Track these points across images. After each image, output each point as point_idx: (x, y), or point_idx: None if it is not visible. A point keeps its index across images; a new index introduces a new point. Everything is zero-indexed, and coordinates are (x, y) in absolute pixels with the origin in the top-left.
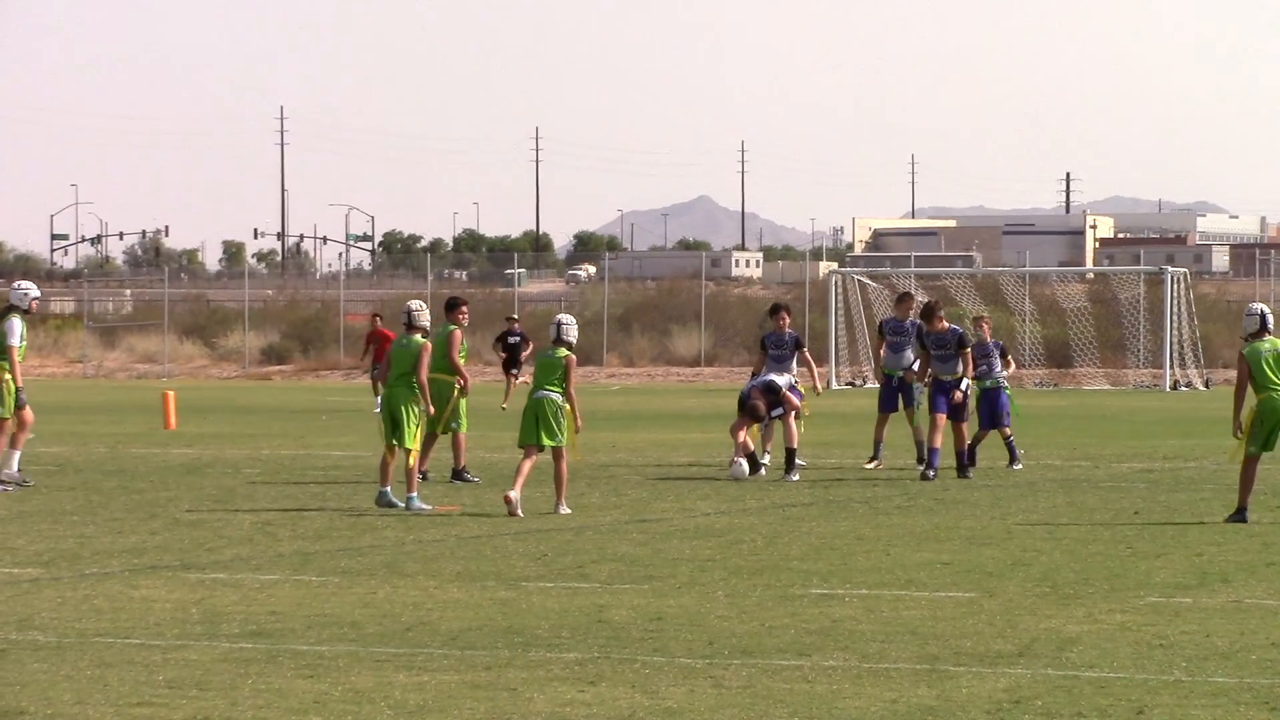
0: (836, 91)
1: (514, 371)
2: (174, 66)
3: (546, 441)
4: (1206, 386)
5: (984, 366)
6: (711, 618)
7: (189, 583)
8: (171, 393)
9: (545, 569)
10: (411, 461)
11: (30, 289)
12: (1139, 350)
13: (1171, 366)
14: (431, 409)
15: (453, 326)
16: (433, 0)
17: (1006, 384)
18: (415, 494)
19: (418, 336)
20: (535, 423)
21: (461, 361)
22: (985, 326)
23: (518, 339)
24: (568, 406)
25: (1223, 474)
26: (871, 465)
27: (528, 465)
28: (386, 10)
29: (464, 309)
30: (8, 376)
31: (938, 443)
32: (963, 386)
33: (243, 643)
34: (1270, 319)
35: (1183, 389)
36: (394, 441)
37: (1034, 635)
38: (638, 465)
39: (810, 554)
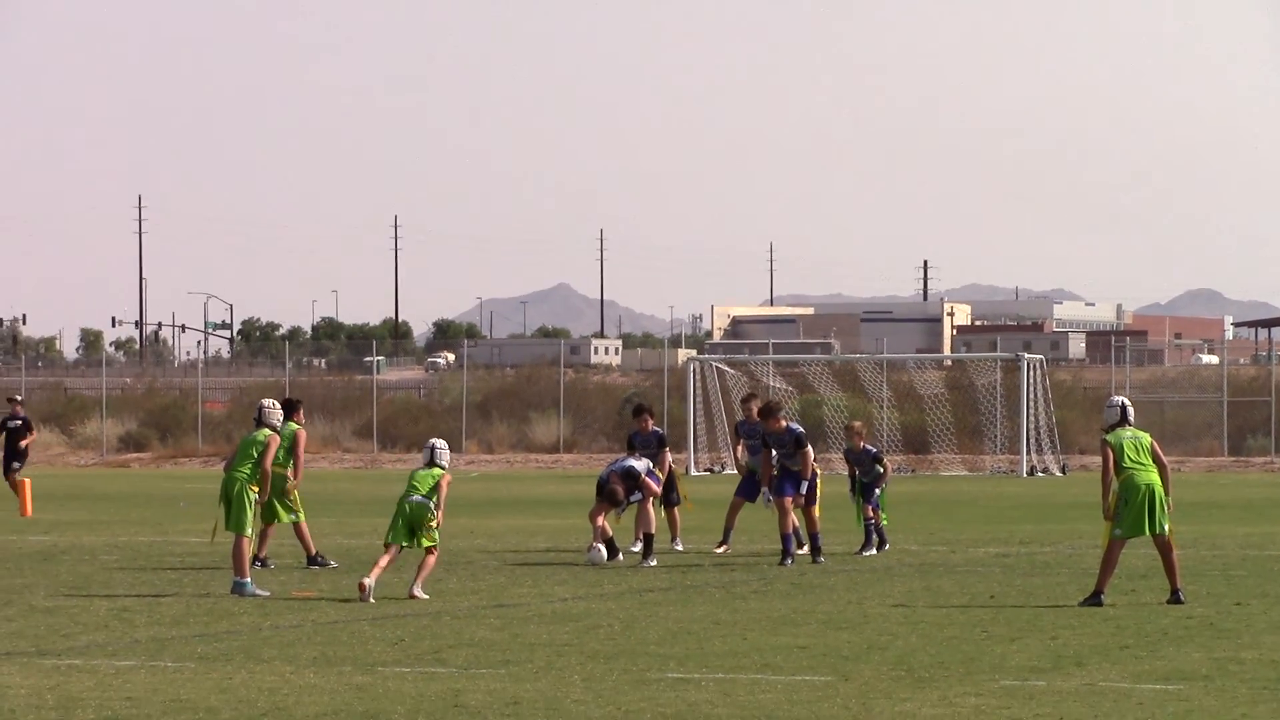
0: (695, 179)
1: (15, 466)
2: (30, 153)
3: (425, 543)
4: (1063, 472)
5: (862, 469)
6: (568, 702)
7: (44, 669)
8: (28, 480)
9: (402, 654)
10: (246, 548)
11: None
12: (996, 436)
13: (1028, 452)
14: (265, 498)
15: (297, 426)
16: (291, 86)
17: (882, 486)
18: (248, 579)
19: (266, 430)
20: (410, 529)
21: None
22: (857, 437)
23: (19, 424)
24: (439, 513)
25: (1078, 558)
26: (721, 549)
27: (387, 560)
28: (246, 96)
29: (301, 411)
30: None
31: (789, 528)
32: (802, 489)
33: None
34: (1130, 411)
35: (1039, 475)
36: (231, 528)
37: (889, 719)
38: (496, 551)
39: (667, 638)
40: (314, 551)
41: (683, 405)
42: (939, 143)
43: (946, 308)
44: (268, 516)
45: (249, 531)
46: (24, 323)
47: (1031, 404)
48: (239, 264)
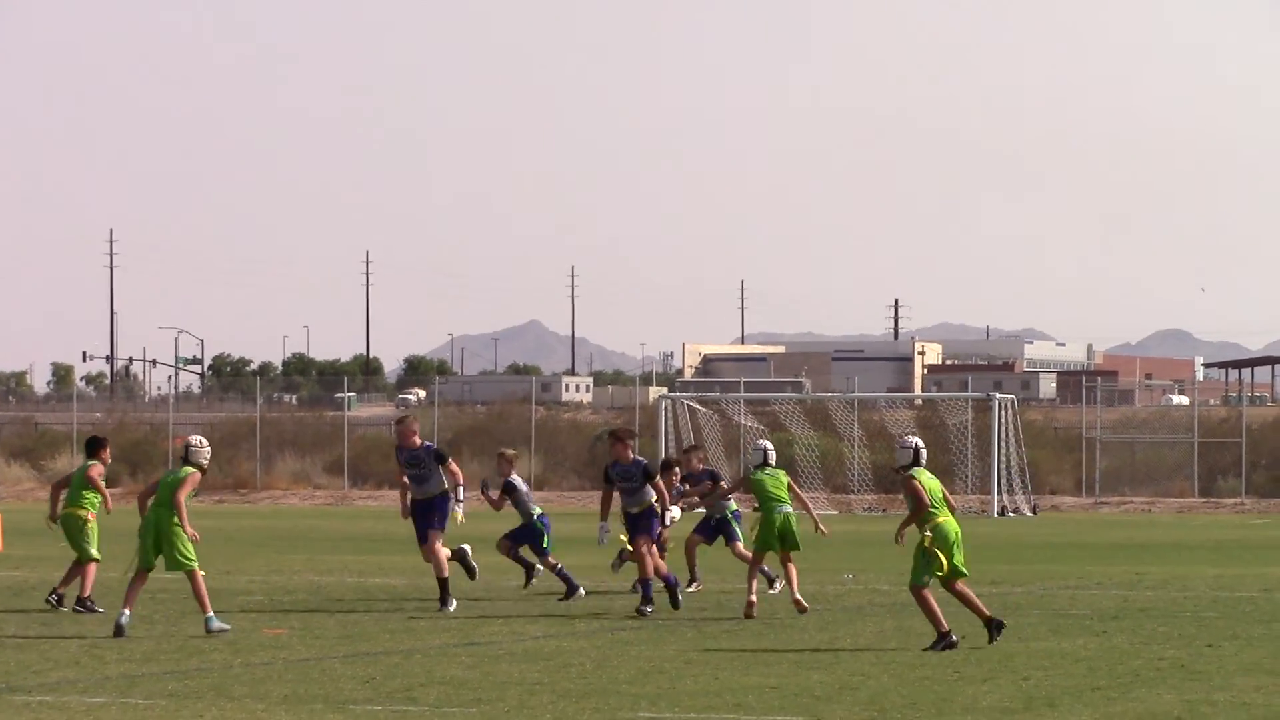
0: (666, 216)
1: None
2: None
3: (170, 567)
4: (1034, 512)
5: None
6: None
7: (14, 705)
8: None
9: (373, 692)
10: (199, 585)
11: None
12: (967, 476)
13: (999, 492)
14: (196, 535)
15: (94, 462)
16: (261, 122)
17: (731, 507)
18: (211, 614)
19: (188, 468)
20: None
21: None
22: (695, 459)
23: None
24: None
25: (1050, 598)
26: (693, 588)
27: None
28: (213, 131)
29: (106, 451)
30: None
31: (649, 572)
32: (654, 529)
33: None
34: (924, 453)
35: (1010, 515)
36: (149, 566)
37: None
38: (466, 588)
39: (639, 677)
40: (87, 594)
41: (654, 443)
42: (910, 181)
43: (917, 347)
44: (85, 557)
45: (193, 567)
46: None
47: (1003, 444)
48: (210, 299)
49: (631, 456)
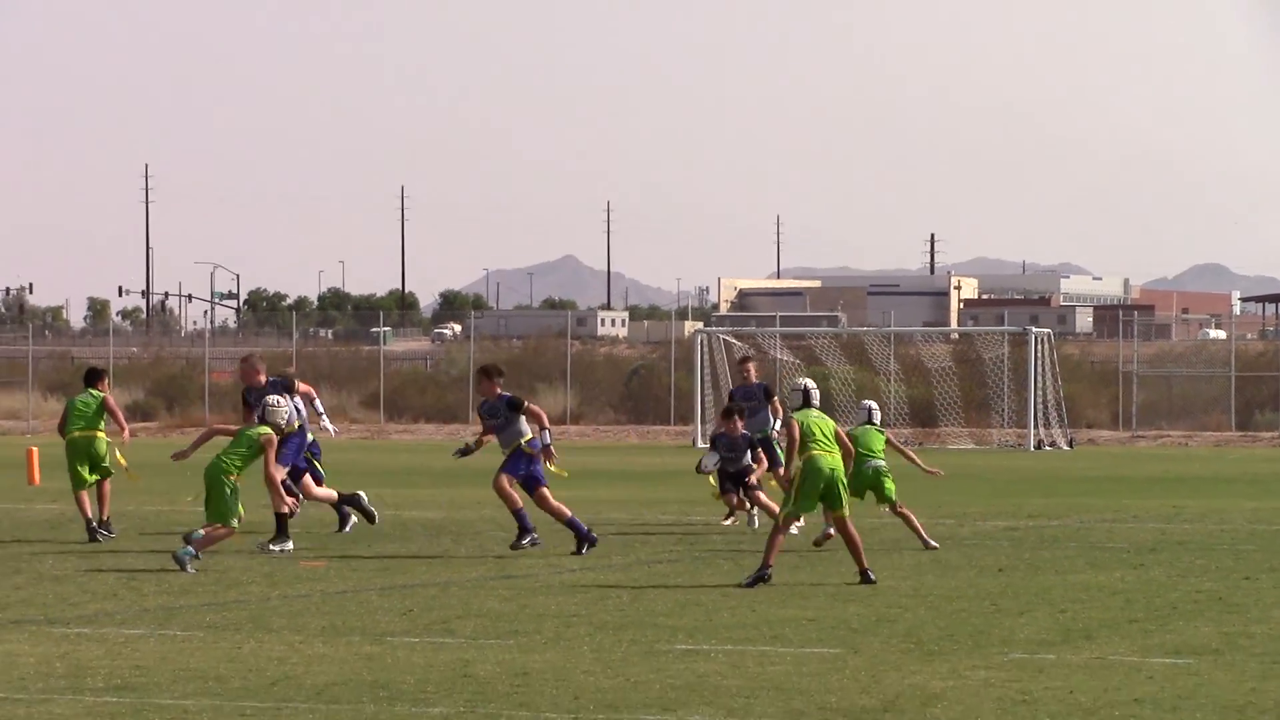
0: (702, 151)
1: None
2: (37, 121)
3: (210, 517)
4: (1070, 446)
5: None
6: (577, 673)
7: (53, 637)
8: (36, 449)
9: (411, 624)
10: (219, 534)
11: None
12: (1003, 410)
13: (1036, 426)
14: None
15: (104, 394)
16: (297, 59)
17: (768, 428)
18: (192, 550)
19: (265, 428)
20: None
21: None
22: (751, 369)
23: None
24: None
25: (1086, 532)
26: (728, 522)
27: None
28: (253, 66)
29: (104, 381)
30: None
31: (517, 504)
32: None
33: (107, 697)
34: (814, 395)
35: (1047, 448)
36: (212, 519)
37: (898, 691)
38: (503, 521)
39: (676, 609)
40: (106, 516)
41: (690, 377)
42: (946, 116)
43: (953, 281)
44: (103, 473)
45: (233, 523)
46: (31, 291)
47: (1039, 378)
48: (246, 234)
49: (498, 392)
